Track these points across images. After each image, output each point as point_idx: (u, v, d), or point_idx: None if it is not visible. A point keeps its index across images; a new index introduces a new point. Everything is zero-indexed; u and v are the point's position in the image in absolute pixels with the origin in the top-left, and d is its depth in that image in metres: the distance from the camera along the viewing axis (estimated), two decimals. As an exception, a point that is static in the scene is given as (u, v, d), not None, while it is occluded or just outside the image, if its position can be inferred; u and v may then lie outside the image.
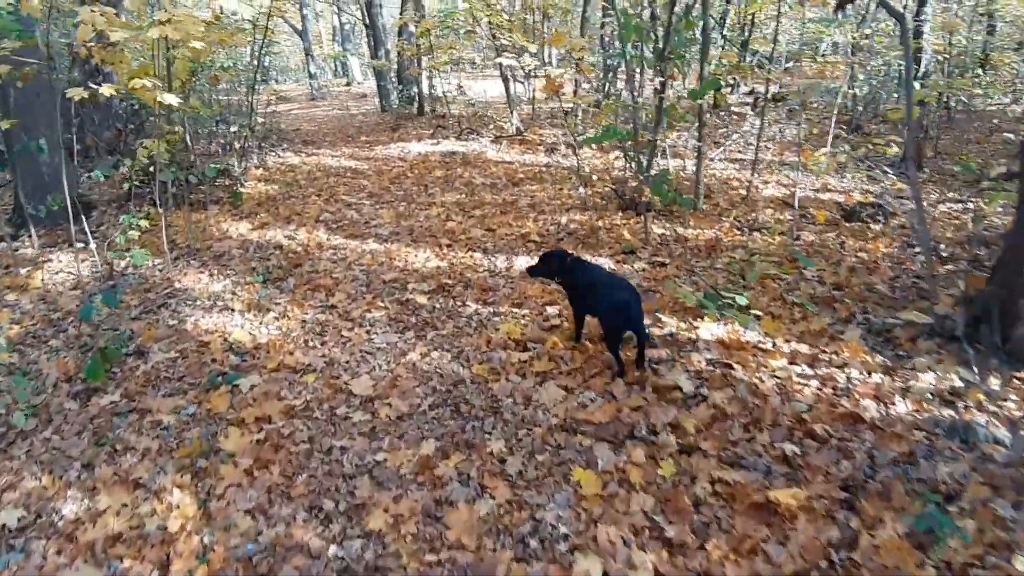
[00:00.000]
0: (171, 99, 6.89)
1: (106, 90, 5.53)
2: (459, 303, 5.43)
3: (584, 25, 15.35)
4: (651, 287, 5.48)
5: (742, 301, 4.84)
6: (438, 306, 5.41)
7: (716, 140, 11.27)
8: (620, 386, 4.04)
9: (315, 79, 25.93)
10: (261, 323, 5.28)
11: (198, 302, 5.71)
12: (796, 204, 7.10)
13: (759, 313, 4.82)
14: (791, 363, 4.23)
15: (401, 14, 16.91)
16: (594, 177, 8.92)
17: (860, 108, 11.94)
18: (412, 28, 16.64)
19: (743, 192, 8.12)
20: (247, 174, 10.04)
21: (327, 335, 5.03)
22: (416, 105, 16.74)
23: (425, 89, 16.58)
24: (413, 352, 4.68)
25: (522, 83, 18.44)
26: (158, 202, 6.72)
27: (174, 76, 7.40)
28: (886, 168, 8.80)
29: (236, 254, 6.84)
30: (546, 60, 12.79)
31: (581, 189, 8.30)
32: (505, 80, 12.70)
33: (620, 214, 7.27)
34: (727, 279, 5.56)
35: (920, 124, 9.19)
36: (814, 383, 4.01)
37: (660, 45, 6.67)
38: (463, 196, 8.69)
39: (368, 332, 5.03)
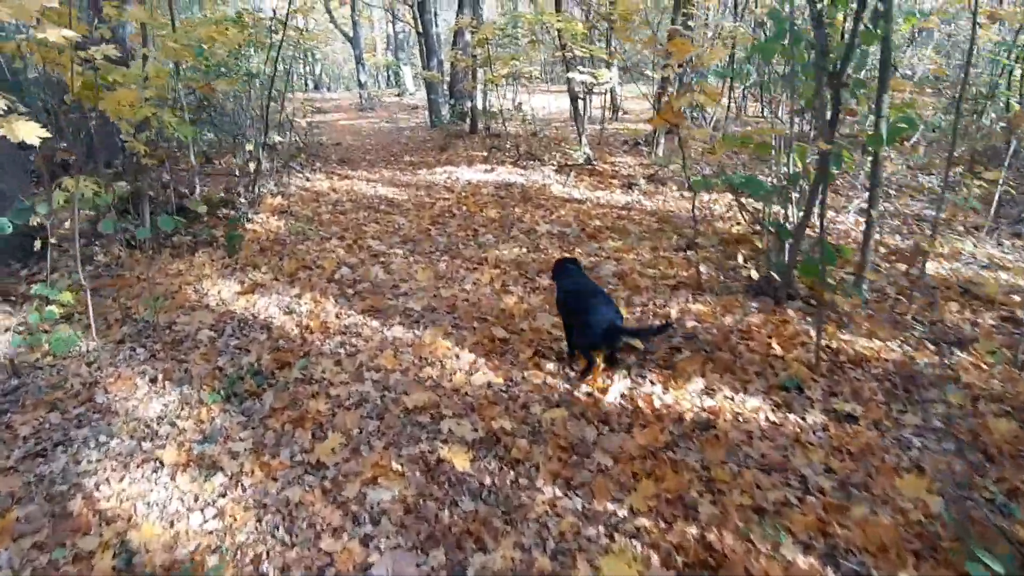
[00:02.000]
0: (144, 111, 4.83)
1: None
2: (523, 478, 3.14)
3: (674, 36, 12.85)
4: (847, 477, 3.12)
5: None
6: (487, 484, 3.11)
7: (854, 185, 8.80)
8: None
9: (365, 88, 23.94)
10: (193, 504, 3.05)
11: (114, 441, 3.52)
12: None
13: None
14: None
15: (456, 20, 14.74)
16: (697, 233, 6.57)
17: None
18: (468, 36, 14.45)
19: (906, 268, 5.69)
20: (259, 204, 7.89)
21: (294, 545, 2.77)
22: (468, 122, 14.53)
23: (479, 104, 14.36)
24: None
25: (583, 99, 16.15)
26: (80, 274, 4.52)
27: (148, 82, 5.30)
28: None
29: (204, 339, 4.64)
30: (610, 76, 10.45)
31: (688, 251, 5.96)
32: (574, 99, 10.39)
33: (755, 303, 4.87)
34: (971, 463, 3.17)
35: None
36: None
37: (833, 66, 4.30)
38: (523, 251, 6.40)
39: (364, 545, 2.76)
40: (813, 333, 4.42)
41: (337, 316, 4.99)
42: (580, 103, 10.43)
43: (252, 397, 3.91)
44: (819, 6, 4.45)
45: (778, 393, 3.79)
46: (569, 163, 10.10)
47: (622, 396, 3.78)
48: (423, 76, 16.29)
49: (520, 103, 13.95)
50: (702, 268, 5.33)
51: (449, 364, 4.22)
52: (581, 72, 8.59)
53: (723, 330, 4.46)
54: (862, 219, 6.61)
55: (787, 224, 4.80)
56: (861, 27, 4.14)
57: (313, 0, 8.87)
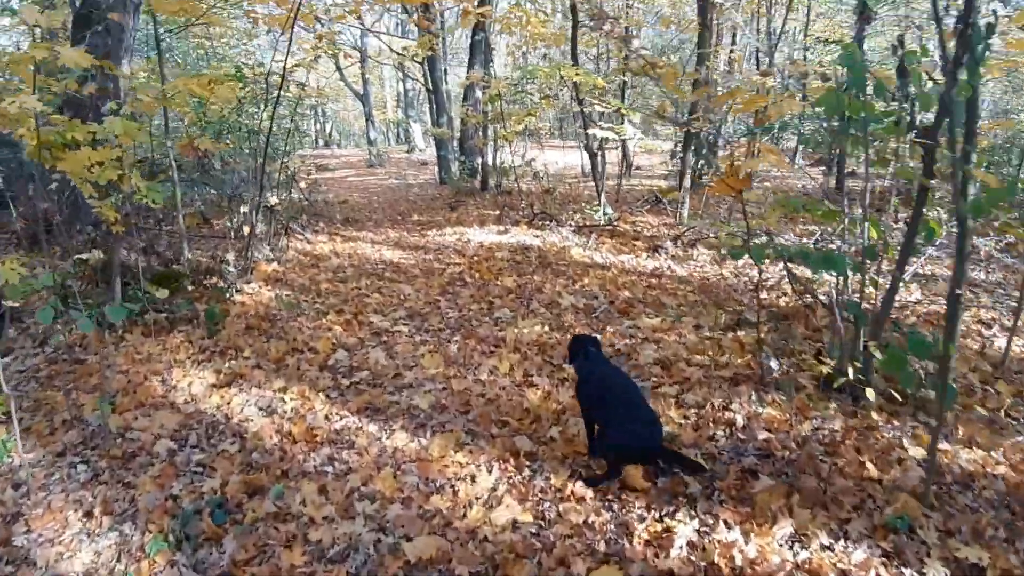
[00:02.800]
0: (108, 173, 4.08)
1: None
2: None
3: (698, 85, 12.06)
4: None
5: None
6: None
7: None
8: None
9: (374, 145, 23.43)
10: None
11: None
12: None
13: None
14: None
15: (467, 76, 14.15)
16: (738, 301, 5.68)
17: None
18: (479, 93, 13.86)
19: (981, 348, 4.78)
20: (251, 272, 7.05)
21: None
22: (479, 179, 13.81)
23: (490, 160, 13.66)
24: None
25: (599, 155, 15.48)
26: (1, 379, 3.62)
27: (117, 139, 4.54)
28: None
29: (162, 451, 3.73)
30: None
31: (739, 331, 5.07)
32: (592, 155, 9.62)
33: (833, 405, 3.93)
34: None
35: None
36: None
37: (918, 119, 3.48)
38: (545, 329, 5.50)
39: None
40: (907, 444, 3.50)
41: (327, 417, 4.08)
42: (598, 159, 9.67)
43: (209, 543, 2.98)
44: (899, 53, 3.65)
45: (886, 536, 2.85)
46: (588, 224, 9.28)
47: (690, 546, 2.84)
48: (432, 133, 15.67)
49: (532, 159, 13.25)
50: (764, 357, 4.41)
51: (463, 491, 3.29)
52: (602, 128, 7.83)
53: (802, 444, 3.52)
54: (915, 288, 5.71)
55: (861, 304, 3.89)
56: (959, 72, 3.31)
57: (315, 54, 8.13)
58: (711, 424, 3.76)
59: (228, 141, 8.81)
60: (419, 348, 5.19)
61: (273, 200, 7.04)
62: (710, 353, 4.75)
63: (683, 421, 3.82)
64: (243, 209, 7.55)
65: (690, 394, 4.13)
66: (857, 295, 3.99)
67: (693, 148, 9.03)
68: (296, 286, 6.91)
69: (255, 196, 7.28)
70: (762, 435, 3.59)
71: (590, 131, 8.32)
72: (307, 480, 3.42)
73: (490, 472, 3.44)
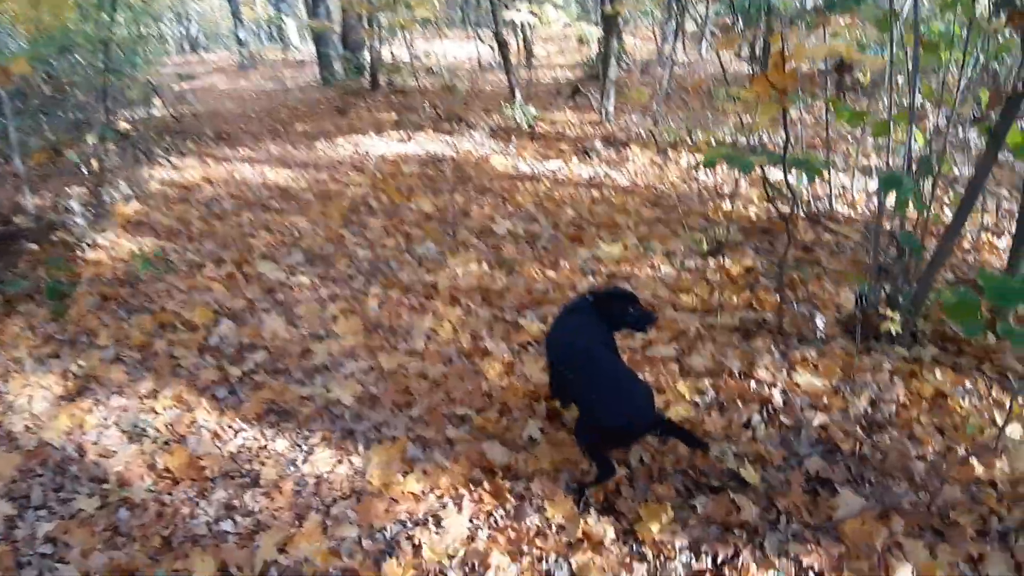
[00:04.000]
0: None
1: None
2: None
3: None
4: None
5: None
6: None
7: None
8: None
9: (245, 46, 20.75)
10: None
11: None
12: None
13: None
14: None
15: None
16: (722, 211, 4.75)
17: None
18: (359, -23, 11.97)
19: None
20: (108, 217, 5.53)
21: None
22: (368, 77, 12.11)
23: (381, 54, 11.93)
24: None
25: (506, 42, 13.91)
26: None
27: None
28: None
29: (-22, 526, 2.51)
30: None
31: (721, 256, 4.15)
32: (503, 44, 8.24)
33: (883, 362, 3.06)
34: None
35: None
36: None
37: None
38: (485, 267, 4.42)
39: None
40: (996, 413, 2.70)
41: (217, 436, 2.92)
42: (509, 49, 8.31)
43: None
44: None
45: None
46: (505, 127, 8.04)
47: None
48: (310, 27, 13.65)
49: (428, 52, 11.69)
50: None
51: (429, 546, 2.26)
52: (519, 10, 6.50)
53: (872, 429, 2.66)
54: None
55: (915, 232, 3.00)
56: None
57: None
58: (739, 403, 2.83)
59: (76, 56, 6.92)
60: (328, 307, 4.01)
61: (124, 125, 5.43)
62: (697, 291, 3.81)
63: (699, 399, 2.88)
64: (91, 139, 5.89)
65: (695, 356, 3.18)
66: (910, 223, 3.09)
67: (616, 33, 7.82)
68: (163, 230, 5.45)
69: (100, 124, 5.65)
70: (814, 418, 2.69)
71: (507, 14, 6.97)
72: (199, 552, 2.30)
73: (459, 508, 2.42)
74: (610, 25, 7.76)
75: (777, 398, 2.80)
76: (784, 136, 2.97)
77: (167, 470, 2.70)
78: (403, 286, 4.24)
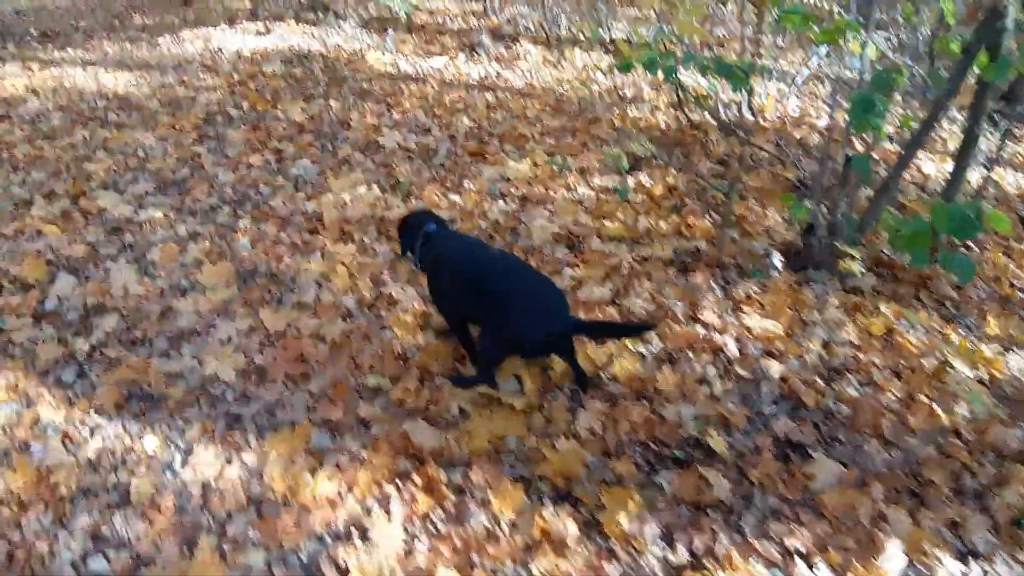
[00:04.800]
0: None
1: None
2: None
3: None
4: None
5: None
6: None
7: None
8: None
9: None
10: None
11: None
12: None
13: None
14: None
15: None
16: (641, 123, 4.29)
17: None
18: None
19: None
20: None
21: None
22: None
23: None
24: None
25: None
26: None
27: None
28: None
29: None
30: None
31: (639, 171, 3.71)
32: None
33: (813, 288, 2.78)
34: None
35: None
36: None
37: None
38: (376, 191, 3.80)
39: None
40: (947, 351, 2.50)
41: (68, 437, 2.27)
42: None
43: None
44: None
45: (1018, 542, 1.87)
46: (379, 15, 7.11)
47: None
48: None
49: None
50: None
51: (356, 566, 1.80)
52: None
53: (832, 377, 2.38)
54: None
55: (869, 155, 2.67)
56: None
57: None
58: (689, 354, 2.47)
59: None
60: (188, 249, 3.31)
61: None
62: (621, 217, 3.38)
63: (644, 350, 2.50)
64: None
65: (633, 297, 2.79)
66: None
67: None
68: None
69: None
70: (771, 368, 2.38)
71: None
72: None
73: (388, 513, 1.96)
74: None
75: (731, 346, 2.48)
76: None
77: (12, 494, 2.06)
78: (279, 218, 3.57)
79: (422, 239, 2.51)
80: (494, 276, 2.32)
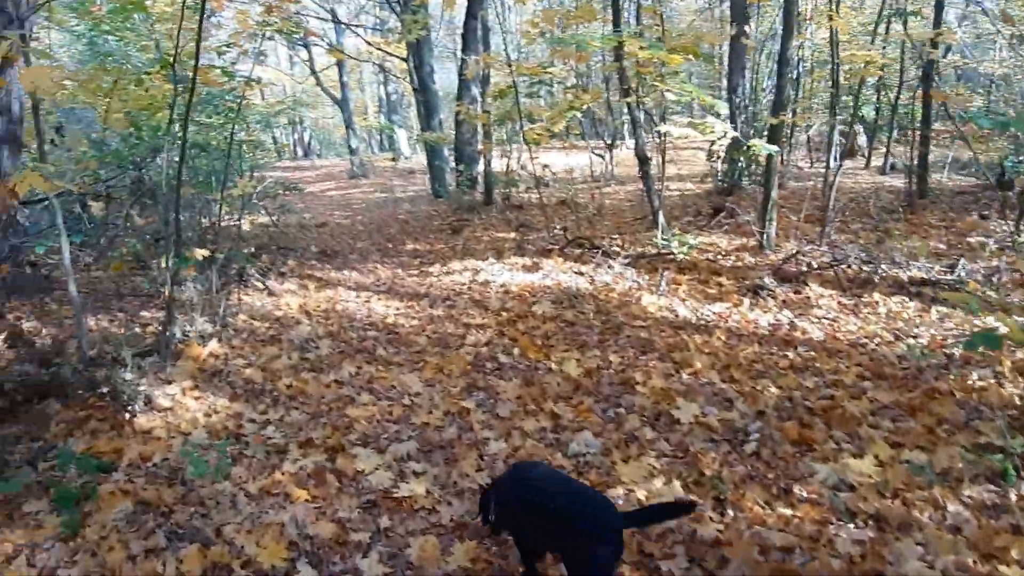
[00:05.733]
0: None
1: None
2: None
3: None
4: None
5: None
6: None
7: None
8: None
9: (356, 154, 20.64)
10: None
11: None
12: None
13: None
14: None
15: (460, 74, 11.48)
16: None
17: None
18: (474, 89, 11.28)
19: None
20: (175, 360, 4.41)
21: None
22: (482, 191, 11.14)
23: (494, 167, 10.96)
24: None
25: (601, 155, 12.87)
26: None
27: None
28: None
29: None
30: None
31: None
32: (644, 160, 7.01)
33: None
34: None
35: None
36: None
37: None
38: (672, 487, 2.93)
39: None
40: None
41: None
42: (651, 165, 7.04)
43: None
44: None
45: None
46: (644, 252, 6.69)
47: None
48: (423, 139, 12.96)
49: (546, 165, 10.65)
50: None
51: None
52: (677, 125, 5.25)
53: None
54: None
55: None
56: None
57: (263, 30, 5.49)
58: None
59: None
60: (451, 553, 2.60)
61: (201, 253, 4.37)
62: (1015, 555, 2.19)
63: None
64: (163, 263, 4.86)
65: None
66: None
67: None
68: (242, 385, 4.26)
69: (175, 243, 4.63)
70: None
71: (665, 128, 5.71)
72: None
73: None
74: (776, 135, 6.40)
75: None
76: None
77: None
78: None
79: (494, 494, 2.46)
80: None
